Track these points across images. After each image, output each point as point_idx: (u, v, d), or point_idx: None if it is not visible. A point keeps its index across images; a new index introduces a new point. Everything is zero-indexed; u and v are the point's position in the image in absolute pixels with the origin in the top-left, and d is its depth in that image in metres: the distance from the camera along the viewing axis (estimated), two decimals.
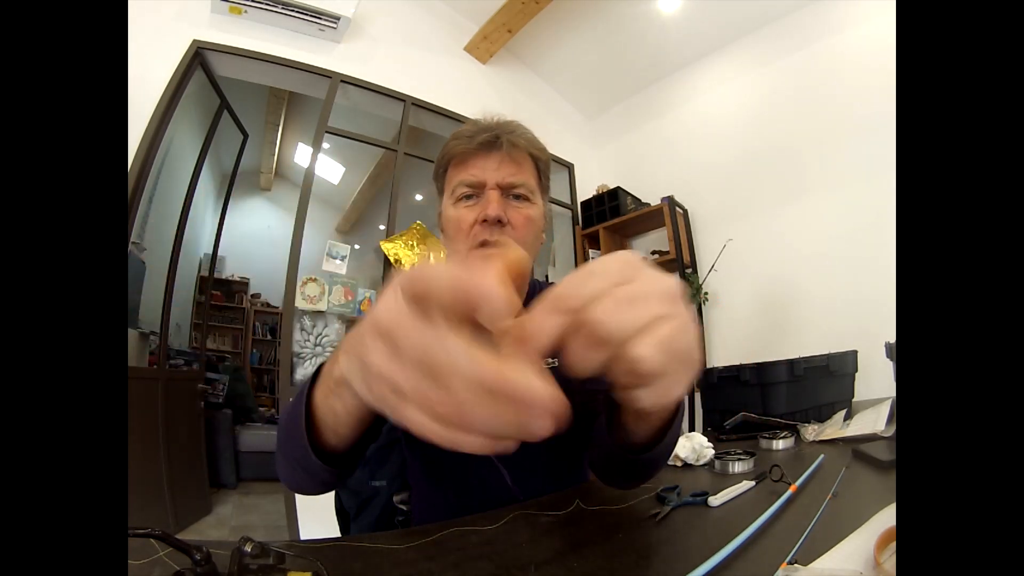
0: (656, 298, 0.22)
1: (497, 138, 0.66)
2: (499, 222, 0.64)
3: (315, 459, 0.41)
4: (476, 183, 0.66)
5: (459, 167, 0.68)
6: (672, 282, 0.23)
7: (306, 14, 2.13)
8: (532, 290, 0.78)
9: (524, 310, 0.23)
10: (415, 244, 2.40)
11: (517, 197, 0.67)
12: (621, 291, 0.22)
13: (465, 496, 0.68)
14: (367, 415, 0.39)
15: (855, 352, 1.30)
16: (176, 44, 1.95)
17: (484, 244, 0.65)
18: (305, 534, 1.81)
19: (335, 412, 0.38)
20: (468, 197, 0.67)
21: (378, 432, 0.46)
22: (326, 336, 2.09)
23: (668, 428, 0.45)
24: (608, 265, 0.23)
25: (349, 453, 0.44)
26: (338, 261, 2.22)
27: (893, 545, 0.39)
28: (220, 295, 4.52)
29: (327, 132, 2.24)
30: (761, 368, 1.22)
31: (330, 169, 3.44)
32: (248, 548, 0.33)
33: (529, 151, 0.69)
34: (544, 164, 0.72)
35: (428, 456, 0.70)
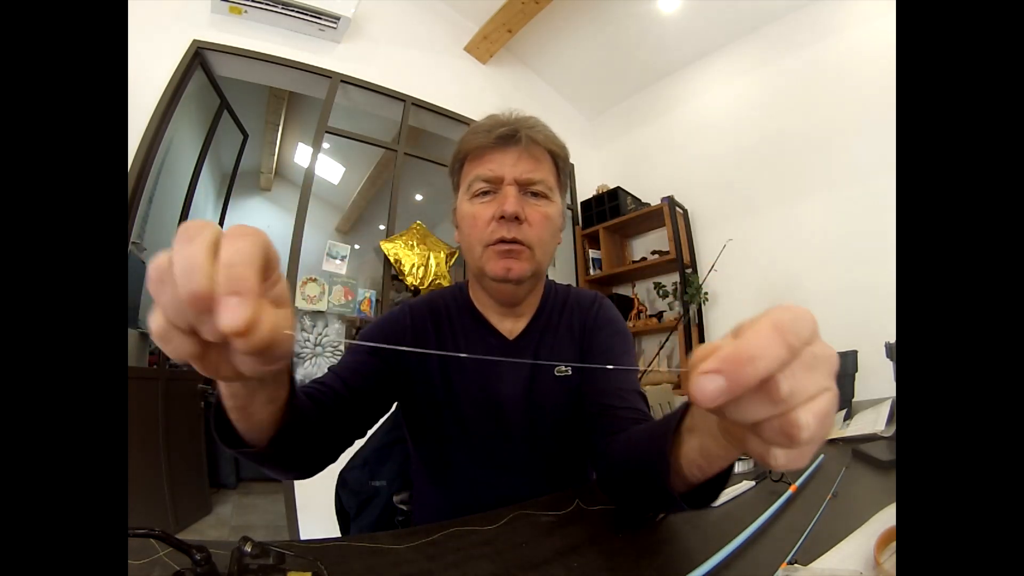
0: (827, 368, 0.22)
1: (516, 132, 0.64)
2: (516, 218, 0.62)
3: (237, 453, 0.42)
4: (493, 178, 0.64)
5: (476, 162, 0.66)
6: (836, 352, 0.23)
7: (306, 14, 2.13)
8: (548, 291, 0.75)
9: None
10: (415, 244, 2.40)
11: (535, 195, 0.65)
12: (807, 352, 0.22)
13: (465, 496, 0.67)
14: (241, 392, 0.38)
15: (855, 352, 1.30)
16: (176, 44, 1.94)
17: (501, 241, 0.63)
18: (305, 534, 1.81)
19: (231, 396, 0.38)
20: (485, 193, 0.65)
21: (291, 416, 0.44)
22: (326, 336, 2.09)
23: (727, 476, 0.40)
24: (806, 316, 0.22)
25: (280, 440, 0.43)
26: (338, 261, 2.22)
27: (893, 545, 0.39)
28: None
29: (327, 132, 2.24)
30: None
31: (330, 169, 3.44)
32: (248, 548, 0.33)
33: (548, 147, 0.67)
34: (563, 161, 0.70)
35: (432, 456, 0.70)
